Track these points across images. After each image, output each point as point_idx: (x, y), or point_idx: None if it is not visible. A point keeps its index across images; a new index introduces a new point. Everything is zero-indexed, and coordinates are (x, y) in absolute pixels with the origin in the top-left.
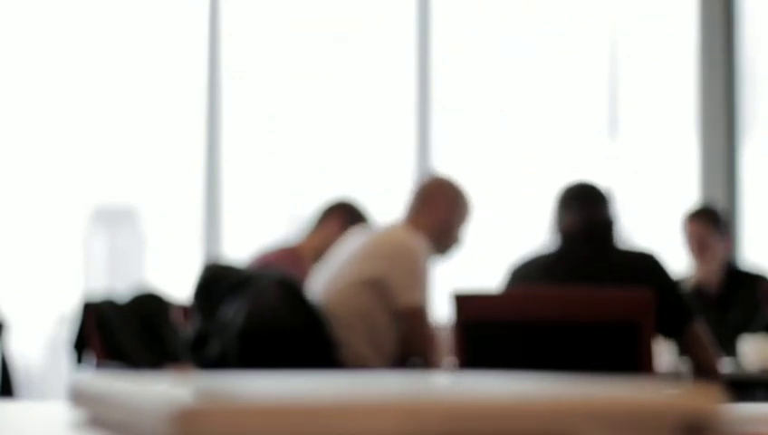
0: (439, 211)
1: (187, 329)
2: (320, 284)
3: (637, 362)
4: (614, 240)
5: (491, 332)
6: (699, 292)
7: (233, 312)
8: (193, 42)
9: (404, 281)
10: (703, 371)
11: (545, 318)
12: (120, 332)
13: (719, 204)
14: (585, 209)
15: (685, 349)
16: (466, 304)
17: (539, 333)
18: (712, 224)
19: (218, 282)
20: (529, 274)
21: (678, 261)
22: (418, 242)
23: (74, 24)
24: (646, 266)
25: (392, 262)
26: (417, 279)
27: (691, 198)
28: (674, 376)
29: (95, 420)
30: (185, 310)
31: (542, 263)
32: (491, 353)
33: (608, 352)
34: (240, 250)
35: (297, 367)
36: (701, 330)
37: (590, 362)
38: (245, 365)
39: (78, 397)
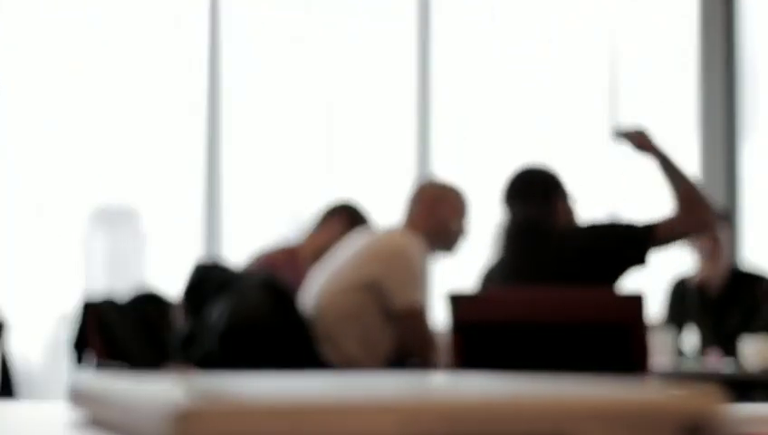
0: (435, 214)
1: (179, 328)
2: (316, 285)
3: (632, 363)
4: (550, 230)
5: (487, 333)
6: (700, 292)
7: (217, 312)
8: (193, 42)
9: (401, 282)
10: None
11: (541, 319)
12: (120, 332)
13: (719, 204)
14: (516, 207)
15: (666, 237)
16: (463, 305)
17: (535, 333)
18: (720, 221)
19: (207, 282)
20: (493, 278)
21: (678, 261)
22: (416, 244)
23: (75, 25)
24: (581, 233)
25: (389, 264)
26: (414, 280)
27: None
28: (669, 375)
29: (95, 420)
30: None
31: (500, 266)
32: (487, 355)
33: (603, 352)
34: (240, 250)
35: (278, 367)
36: (666, 222)
37: (586, 363)
38: (228, 365)
39: (78, 397)
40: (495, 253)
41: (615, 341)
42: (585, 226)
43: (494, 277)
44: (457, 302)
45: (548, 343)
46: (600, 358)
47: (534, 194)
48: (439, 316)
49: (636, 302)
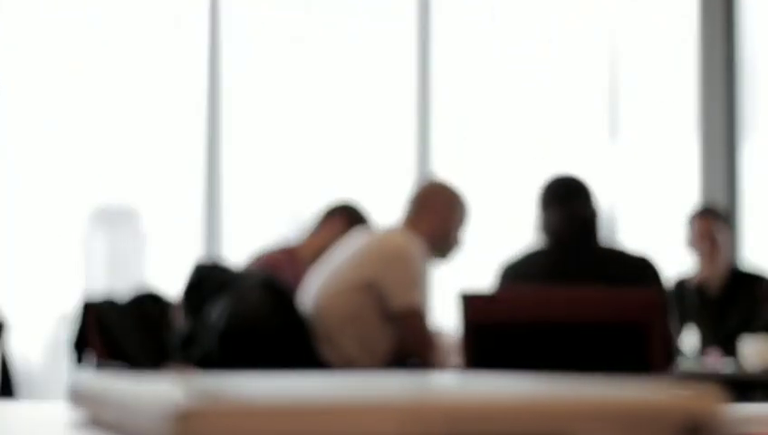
0: (437, 215)
1: (179, 328)
2: (314, 285)
3: (645, 363)
4: (597, 235)
5: (498, 332)
6: (701, 291)
7: (217, 312)
8: (193, 42)
9: (399, 283)
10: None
11: (553, 319)
12: (119, 332)
13: (719, 204)
14: (565, 206)
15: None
16: (474, 304)
17: (546, 333)
18: (719, 221)
19: (207, 282)
20: (519, 274)
21: (678, 261)
22: (414, 245)
23: (75, 25)
24: (640, 271)
25: (387, 265)
26: (413, 281)
27: (691, 198)
28: (680, 376)
29: (95, 420)
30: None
31: (531, 263)
32: (498, 354)
33: (615, 352)
34: (240, 250)
35: (278, 367)
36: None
37: (598, 363)
38: (227, 365)
39: (78, 397)
40: (535, 247)
41: (629, 340)
42: (637, 258)
43: (526, 272)
44: (470, 302)
45: (561, 343)
46: (614, 358)
47: (578, 196)
48: (445, 317)
49: (650, 301)
